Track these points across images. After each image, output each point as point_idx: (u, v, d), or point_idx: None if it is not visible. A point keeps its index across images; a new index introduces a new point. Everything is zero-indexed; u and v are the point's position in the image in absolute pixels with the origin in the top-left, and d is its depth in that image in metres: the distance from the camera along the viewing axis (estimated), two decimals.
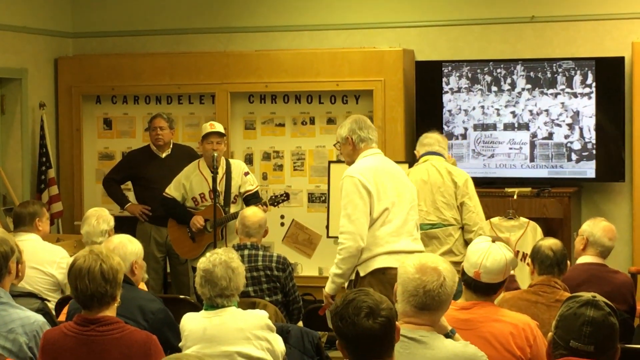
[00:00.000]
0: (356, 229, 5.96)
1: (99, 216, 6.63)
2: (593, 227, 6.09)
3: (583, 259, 6.06)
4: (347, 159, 6.33)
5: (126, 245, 5.35)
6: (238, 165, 8.22)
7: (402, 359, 3.56)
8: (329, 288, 6.12)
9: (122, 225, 8.36)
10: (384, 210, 6.05)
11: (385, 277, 5.99)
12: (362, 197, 5.99)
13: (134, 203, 8.77)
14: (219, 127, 8.04)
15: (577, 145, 8.65)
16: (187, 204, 8.13)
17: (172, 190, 8.12)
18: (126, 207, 8.76)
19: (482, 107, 8.86)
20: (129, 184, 8.95)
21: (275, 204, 8.10)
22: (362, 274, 6.03)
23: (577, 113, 8.63)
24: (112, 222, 6.67)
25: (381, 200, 6.05)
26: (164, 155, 8.68)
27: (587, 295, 3.52)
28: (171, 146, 8.75)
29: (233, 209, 7.95)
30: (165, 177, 8.26)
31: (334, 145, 6.53)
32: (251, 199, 8.00)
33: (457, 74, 8.90)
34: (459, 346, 3.84)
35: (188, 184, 8.09)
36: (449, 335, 3.91)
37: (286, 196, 8.15)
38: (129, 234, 5.69)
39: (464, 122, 8.91)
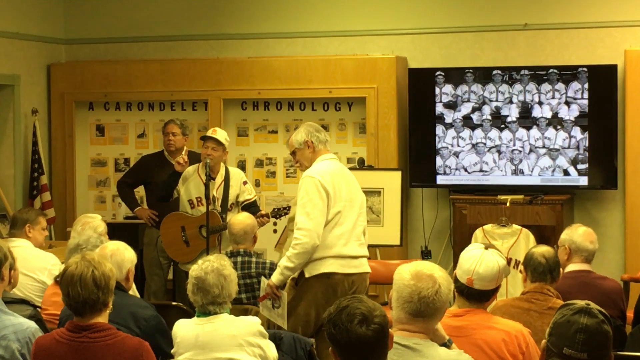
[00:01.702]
0: (314, 227, 6.08)
1: (84, 223, 6.61)
2: (572, 235, 6.10)
3: (570, 268, 6.05)
4: (306, 163, 6.38)
5: (123, 253, 5.33)
6: (237, 174, 8.22)
7: None
8: (276, 279, 6.21)
9: (124, 230, 8.37)
10: (337, 213, 6.20)
11: (329, 282, 6.17)
12: (321, 197, 6.12)
13: (144, 207, 8.75)
14: (219, 134, 8.01)
15: (569, 153, 8.66)
16: (182, 208, 8.11)
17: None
18: (135, 211, 8.74)
19: (475, 114, 8.86)
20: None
21: (278, 216, 8.10)
22: (307, 275, 6.17)
23: (569, 121, 8.64)
24: (99, 229, 6.62)
25: (336, 203, 6.19)
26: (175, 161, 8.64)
27: (580, 302, 3.53)
28: (184, 153, 8.69)
29: (229, 217, 7.94)
30: (174, 184, 8.23)
31: (290, 154, 6.55)
32: (250, 207, 7.99)
33: (450, 81, 8.90)
34: (452, 355, 3.83)
35: (184, 186, 8.08)
36: (446, 345, 3.91)
37: (289, 209, 8.16)
38: (131, 239, 5.70)
39: (456, 129, 8.91)
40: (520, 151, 8.80)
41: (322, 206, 6.12)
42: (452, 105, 8.95)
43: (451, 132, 8.97)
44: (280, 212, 8.09)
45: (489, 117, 8.87)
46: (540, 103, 8.75)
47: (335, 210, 6.18)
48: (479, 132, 8.90)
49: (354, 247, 6.27)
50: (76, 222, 6.65)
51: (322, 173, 6.19)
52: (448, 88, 8.93)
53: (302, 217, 6.12)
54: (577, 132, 8.65)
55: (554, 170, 8.71)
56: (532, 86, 8.79)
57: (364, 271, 6.37)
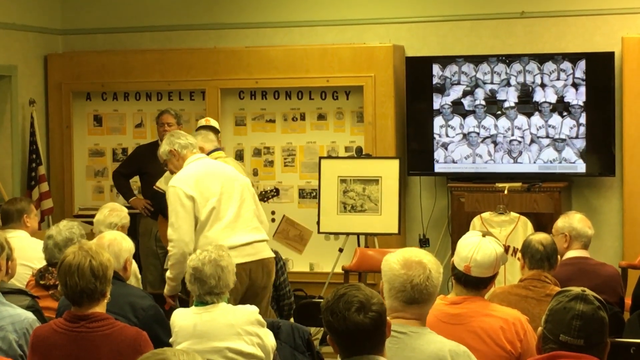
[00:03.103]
0: (179, 236, 6.21)
1: (113, 209, 6.64)
2: (571, 222, 6.16)
3: (569, 254, 6.07)
4: (177, 170, 6.52)
5: (121, 243, 5.36)
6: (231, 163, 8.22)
7: (392, 353, 3.56)
8: (166, 290, 6.41)
9: None
10: (211, 210, 6.25)
11: None
12: (183, 205, 6.22)
13: (139, 197, 8.76)
14: (213, 124, 8.05)
15: (578, 144, 8.56)
16: None
17: (163, 184, 8.11)
18: (130, 201, 8.75)
19: (472, 102, 8.81)
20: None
21: (265, 199, 8.11)
22: None
23: (567, 108, 8.60)
24: (124, 220, 6.62)
25: (207, 202, 6.26)
26: None
27: (576, 289, 3.54)
28: None
29: None
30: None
31: (164, 167, 6.74)
32: None
33: (448, 70, 8.87)
34: (449, 343, 3.84)
35: None
36: None
37: (276, 192, 8.19)
38: (130, 228, 5.72)
39: (445, 116, 8.86)
40: (519, 142, 8.66)
41: (185, 213, 6.22)
42: (439, 89, 8.79)
43: (439, 120, 8.82)
44: (267, 194, 8.13)
45: (483, 103, 8.73)
46: (542, 85, 8.58)
47: (207, 208, 6.24)
48: (471, 120, 8.77)
49: (242, 235, 6.32)
50: (106, 206, 6.69)
51: (183, 179, 6.31)
52: (435, 69, 8.78)
53: (170, 228, 6.27)
54: (574, 119, 8.46)
55: (559, 163, 8.62)
56: (533, 66, 8.48)
57: (262, 257, 6.40)
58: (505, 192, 8.39)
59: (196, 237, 6.23)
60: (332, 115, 9.29)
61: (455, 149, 8.78)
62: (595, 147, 8.59)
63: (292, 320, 6.44)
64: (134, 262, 5.60)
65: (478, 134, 8.74)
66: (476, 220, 8.20)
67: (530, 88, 8.57)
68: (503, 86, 8.63)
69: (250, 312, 4.85)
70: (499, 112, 8.70)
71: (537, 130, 8.61)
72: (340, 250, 8.66)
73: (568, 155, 8.54)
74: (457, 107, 8.74)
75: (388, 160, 8.71)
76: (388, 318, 3.48)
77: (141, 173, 8.77)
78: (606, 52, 8.60)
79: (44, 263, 6.45)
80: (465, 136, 8.75)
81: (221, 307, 4.81)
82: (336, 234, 8.92)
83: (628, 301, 6.16)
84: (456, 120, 8.75)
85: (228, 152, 9.20)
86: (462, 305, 4.36)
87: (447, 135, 8.78)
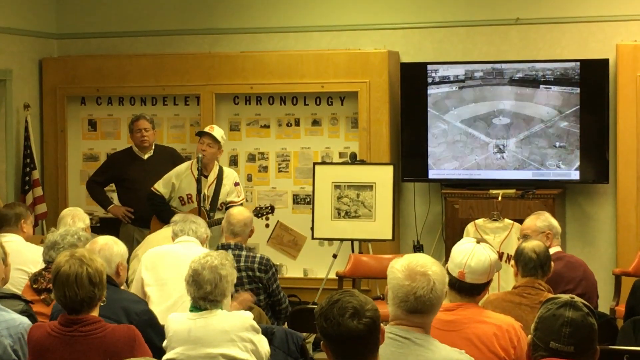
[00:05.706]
0: None
1: (74, 215, 6.63)
2: (549, 221, 6.38)
3: (551, 250, 6.15)
4: None
5: (112, 247, 5.35)
6: (231, 174, 8.24)
7: (395, 357, 3.56)
8: None
9: (105, 227, 8.36)
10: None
11: None
12: None
13: (117, 205, 8.78)
14: (216, 132, 8.07)
15: (561, 147, 8.62)
16: (173, 203, 8.11)
17: (161, 187, 8.12)
18: (109, 209, 8.77)
19: (467, 108, 8.81)
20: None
21: (259, 215, 8.14)
22: None
23: (561, 115, 8.61)
24: (87, 220, 6.65)
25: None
26: (146, 156, 8.70)
27: (565, 296, 3.56)
28: (153, 147, 8.76)
29: (219, 215, 7.93)
30: (147, 179, 8.26)
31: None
32: None
33: (442, 76, 8.87)
34: (454, 353, 3.83)
35: (178, 182, 8.10)
36: None
37: (271, 209, 8.21)
38: (111, 235, 5.68)
39: (448, 123, 8.87)
40: (511, 145, 8.59)
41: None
42: (449, 102, 8.73)
43: (448, 126, 8.71)
44: (262, 211, 8.16)
45: (483, 112, 8.64)
46: (531, 97, 8.54)
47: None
48: (474, 126, 8.71)
49: None
50: (65, 216, 6.64)
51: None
52: (446, 84, 8.66)
53: None
54: (568, 126, 8.45)
55: (543, 162, 8.60)
56: (523, 80, 8.39)
57: None
58: (499, 198, 8.40)
59: None
60: (326, 120, 9.30)
61: (437, 162, 8.66)
62: (590, 154, 8.60)
63: (285, 326, 6.44)
64: None
65: (465, 143, 8.70)
66: (470, 227, 8.21)
67: (519, 104, 8.48)
68: (499, 100, 8.55)
69: (244, 318, 4.85)
70: (497, 120, 8.66)
71: (525, 135, 8.55)
72: (334, 256, 8.66)
73: (547, 153, 8.47)
74: (465, 117, 8.70)
75: (382, 166, 8.71)
76: (390, 323, 3.49)
77: (118, 180, 8.78)
78: (601, 59, 8.62)
79: (39, 267, 6.44)
80: (450, 145, 8.68)
81: (216, 314, 4.81)
82: (330, 239, 8.93)
83: (621, 309, 6.19)
84: (439, 127, 8.68)
85: (222, 158, 9.21)
86: (455, 312, 4.36)
87: (455, 138, 8.68)
